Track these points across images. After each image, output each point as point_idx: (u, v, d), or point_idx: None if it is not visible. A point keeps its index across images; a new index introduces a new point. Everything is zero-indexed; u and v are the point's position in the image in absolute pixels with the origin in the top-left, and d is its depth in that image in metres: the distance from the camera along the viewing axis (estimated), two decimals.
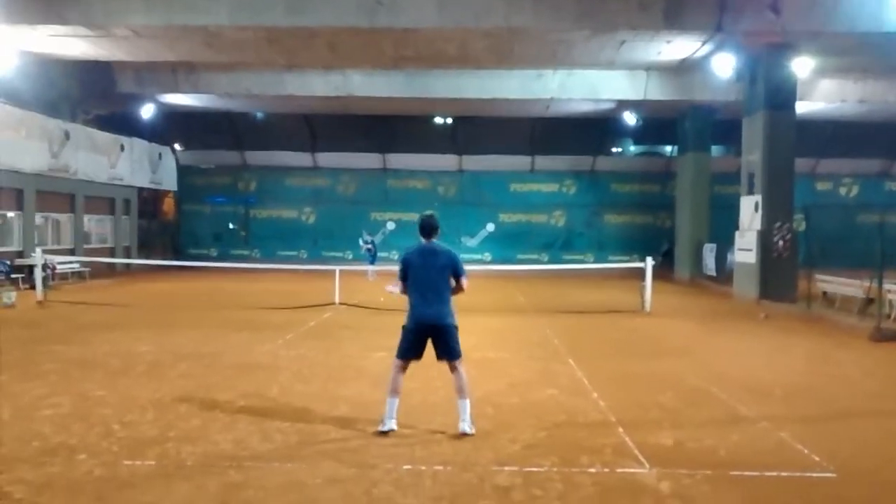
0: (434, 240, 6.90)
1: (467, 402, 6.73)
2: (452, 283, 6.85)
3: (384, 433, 6.61)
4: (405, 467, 5.78)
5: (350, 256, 31.89)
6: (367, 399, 7.96)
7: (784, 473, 5.82)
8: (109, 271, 26.48)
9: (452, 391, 6.91)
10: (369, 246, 26.16)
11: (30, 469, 5.61)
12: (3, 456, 5.91)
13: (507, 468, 5.80)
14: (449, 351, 6.74)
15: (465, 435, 6.58)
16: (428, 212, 7.10)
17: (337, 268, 18.53)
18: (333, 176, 34.28)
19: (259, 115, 33.24)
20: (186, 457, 5.98)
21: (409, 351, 6.79)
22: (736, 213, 20.63)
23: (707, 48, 19.00)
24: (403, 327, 6.85)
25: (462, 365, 6.79)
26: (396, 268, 7.02)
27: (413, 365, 6.90)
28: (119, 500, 5.06)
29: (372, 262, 25.43)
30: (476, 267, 29.16)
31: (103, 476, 5.51)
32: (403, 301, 6.90)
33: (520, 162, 33.79)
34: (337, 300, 17.06)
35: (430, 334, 6.74)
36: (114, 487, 5.28)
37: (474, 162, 33.82)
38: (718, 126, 27.43)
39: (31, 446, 6.17)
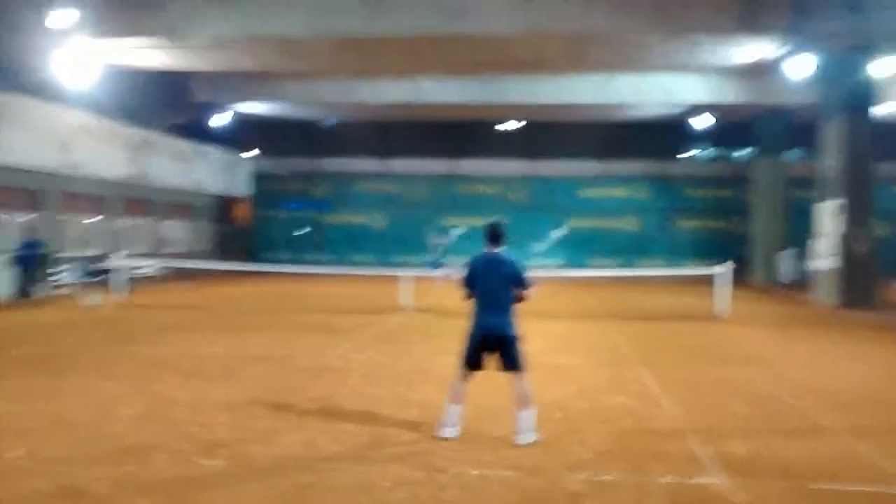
0: (499, 248, 6.81)
1: (526, 413, 6.57)
2: (517, 293, 6.72)
3: (444, 439, 6.59)
4: (473, 472, 5.75)
5: (419, 262, 32.03)
6: (436, 402, 7.94)
7: (865, 488, 5.59)
8: (186, 275, 27.20)
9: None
10: (439, 256, 26.21)
11: (107, 467, 5.77)
12: (83, 454, 6.10)
13: (577, 475, 5.71)
14: (510, 363, 6.62)
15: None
16: (494, 219, 7.03)
17: (407, 272, 18.64)
18: (404, 182, 34.53)
19: (331, 122, 33.75)
20: (257, 458, 6.07)
21: (470, 360, 6.71)
22: (812, 218, 19.99)
23: (783, 50, 18.45)
24: (466, 336, 6.80)
25: (525, 377, 6.65)
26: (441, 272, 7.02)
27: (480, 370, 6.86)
28: (191, 499, 5.16)
29: (438, 266, 25.50)
30: (546, 272, 29.03)
31: (177, 476, 5.63)
32: (471, 305, 6.87)
33: (591, 167, 33.42)
34: (406, 304, 17.15)
35: (491, 345, 6.64)
36: (186, 487, 5.39)
37: (545, 167, 33.61)
38: (794, 129, 26.66)
39: (108, 445, 6.35)
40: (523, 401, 6.58)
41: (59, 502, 5.07)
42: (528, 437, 6.50)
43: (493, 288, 6.68)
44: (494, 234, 6.83)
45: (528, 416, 6.56)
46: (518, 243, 33.21)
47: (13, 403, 7.78)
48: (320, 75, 24.95)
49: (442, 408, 6.94)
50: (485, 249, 6.85)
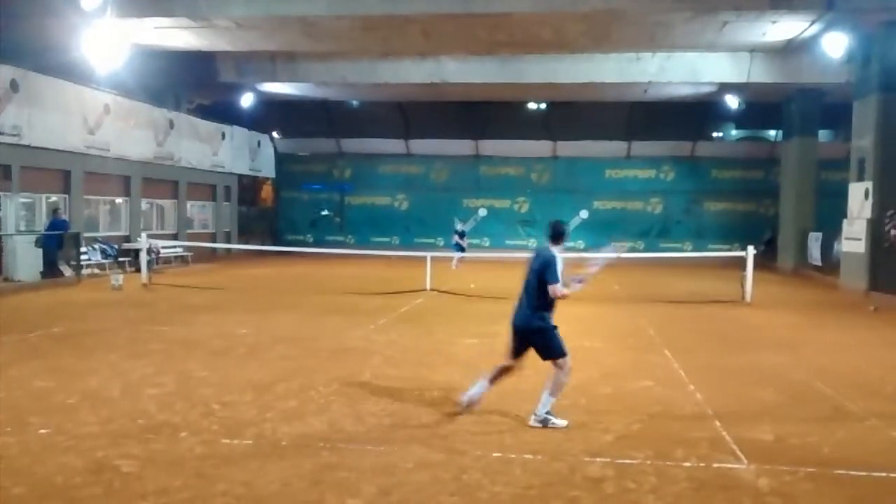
0: (553, 244, 6.75)
1: (547, 397, 6.55)
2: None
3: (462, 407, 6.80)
4: (495, 454, 5.76)
5: (441, 243, 32.05)
6: (458, 385, 7.96)
7: (894, 474, 5.53)
8: (210, 256, 27.43)
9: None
10: (459, 240, 26.15)
11: (136, 445, 5.85)
12: (112, 431, 6.19)
13: (599, 459, 5.70)
14: (542, 353, 6.65)
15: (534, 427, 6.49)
16: (555, 219, 7.16)
17: (429, 254, 18.65)
18: (426, 163, 34.45)
19: (354, 103, 33.72)
20: (282, 437, 6.13)
21: (511, 350, 6.78)
22: (844, 200, 19.66)
23: (816, 28, 18.12)
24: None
25: (564, 366, 6.58)
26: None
27: (502, 353, 6.86)
28: (217, 477, 5.21)
29: (461, 250, 25.50)
30: (569, 255, 28.90)
31: (203, 454, 5.69)
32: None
33: (616, 147, 33.11)
34: (429, 286, 17.17)
35: (521, 337, 6.70)
36: (213, 465, 5.45)
37: (568, 148, 33.33)
38: (826, 110, 26.23)
39: (137, 423, 6.43)
40: (550, 384, 6.58)
41: (89, 478, 5.15)
42: (536, 420, 6.54)
43: (527, 281, 6.73)
44: (553, 233, 6.82)
45: (548, 400, 6.57)
46: (541, 224, 33.36)
47: (46, 381, 7.92)
48: (343, 56, 24.91)
49: (464, 390, 6.95)
50: (543, 245, 6.86)
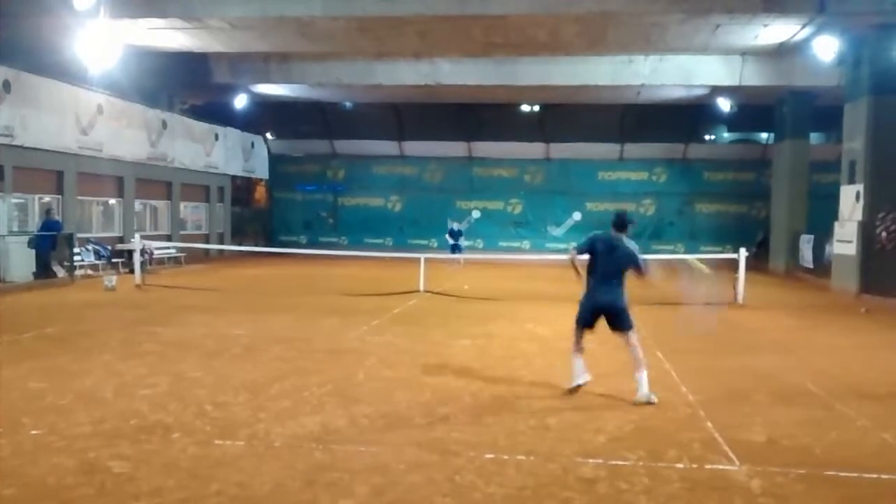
0: (620, 232, 7.73)
1: (642, 373, 7.50)
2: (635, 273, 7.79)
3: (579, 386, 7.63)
4: (488, 455, 5.77)
5: (435, 244, 32.07)
6: (452, 386, 8.00)
7: (885, 476, 5.56)
8: (204, 257, 27.39)
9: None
10: (452, 239, 26.25)
11: (129, 445, 5.84)
12: (105, 432, 6.19)
13: (591, 460, 5.72)
14: (623, 325, 7.65)
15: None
16: (621, 210, 8.33)
17: (422, 255, 18.65)
18: (420, 164, 34.45)
19: (348, 104, 33.71)
20: (276, 437, 6.13)
21: (585, 321, 7.80)
22: (835, 202, 19.76)
23: (807, 31, 18.20)
24: (582, 303, 7.89)
25: (635, 338, 7.64)
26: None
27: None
28: (211, 477, 5.21)
29: (457, 251, 25.57)
30: (560, 256, 28.95)
31: (196, 454, 5.69)
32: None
33: (609, 150, 33.18)
34: (422, 287, 17.18)
35: (604, 313, 7.68)
36: (206, 466, 5.45)
37: (562, 150, 33.37)
38: (818, 112, 26.29)
39: (130, 424, 6.43)
40: (637, 363, 7.49)
41: (81, 479, 5.14)
42: (642, 397, 7.35)
43: (614, 266, 7.61)
44: (619, 223, 7.75)
45: (642, 378, 7.42)
46: (534, 226, 33.44)
47: (38, 381, 7.90)
48: (337, 57, 24.90)
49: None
50: (612, 233, 7.75)
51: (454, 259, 24.50)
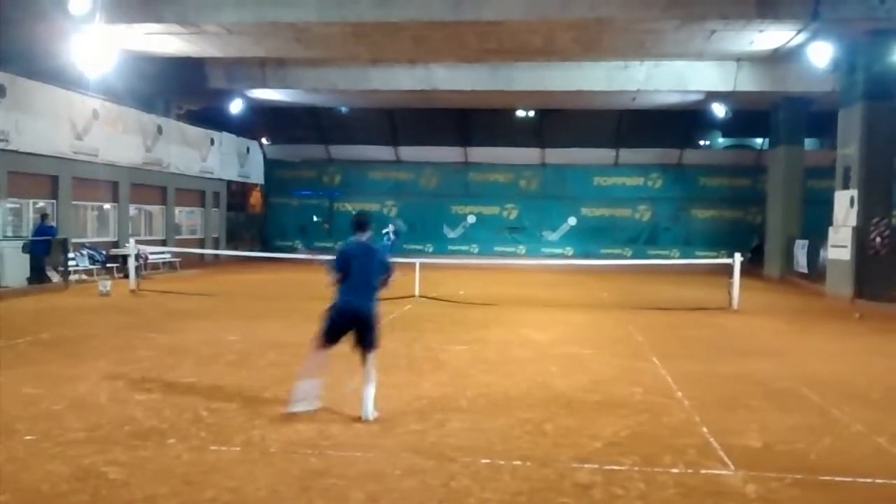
0: (366, 236, 7.30)
1: (373, 390, 6.92)
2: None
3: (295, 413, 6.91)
4: (483, 461, 5.76)
5: (431, 249, 32.08)
6: (448, 391, 7.99)
7: (880, 480, 5.57)
8: (199, 262, 27.36)
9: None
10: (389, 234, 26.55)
11: (123, 451, 5.83)
12: (99, 438, 6.17)
13: (587, 465, 5.71)
14: (372, 342, 7.04)
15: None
16: (360, 210, 8.03)
17: (417, 260, 18.65)
18: (415, 169, 34.50)
19: (344, 109, 33.73)
20: (270, 443, 6.12)
21: (330, 336, 7.13)
22: (830, 208, 19.82)
23: (802, 37, 18.25)
24: (328, 314, 7.21)
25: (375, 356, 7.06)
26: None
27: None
28: (206, 483, 5.20)
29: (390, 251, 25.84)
30: (558, 261, 28.98)
31: (191, 460, 5.68)
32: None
33: (604, 155, 33.25)
34: (417, 292, 17.17)
35: (354, 324, 7.03)
36: (201, 472, 5.43)
37: (557, 155, 33.44)
38: (812, 118, 26.40)
39: (124, 430, 6.41)
40: (368, 378, 6.93)
41: (75, 485, 5.12)
42: (368, 414, 6.82)
43: (369, 271, 7.15)
44: (359, 223, 7.30)
45: (369, 393, 6.89)
46: (529, 231, 33.49)
47: (33, 387, 7.87)
48: (333, 62, 24.93)
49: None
50: (353, 238, 7.28)
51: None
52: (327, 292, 7.17)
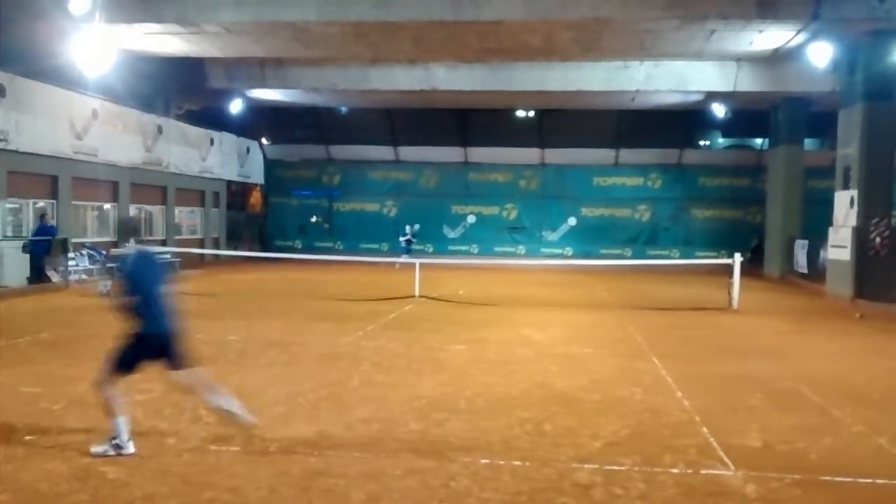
0: (129, 242, 6.34)
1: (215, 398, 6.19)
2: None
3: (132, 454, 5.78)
4: (483, 461, 5.76)
5: (431, 249, 32.08)
6: (447, 391, 7.98)
7: (880, 481, 5.56)
8: (199, 262, 27.32)
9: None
10: (409, 237, 27.14)
11: None
12: (99, 438, 6.12)
13: (587, 466, 5.71)
14: (180, 361, 6.19)
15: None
16: (127, 215, 6.65)
17: (417, 261, 18.64)
18: (415, 169, 34.49)
19: (343, 109, 33.72)
20: (270, 443, 6.11)
21: (128, 364, 6.17)
22: (830, 208, 19.82)
23: (802, 37, 18.24)
24: (127, 340, 6.22)
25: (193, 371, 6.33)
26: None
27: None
28: (205, 483, 5.20)
29: (407, 252, 26.10)
30: (558, 261, 28.98)
31: (191, 460, 5.68)
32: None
33: (604, 155, 33.24)
34: (417, 292, 17.16)
35: (160, 347, 6.12)
36: (200, 472, 5.43)
37: (557, 155, 33.43)
38: (812, 118, 26.41)
39: None
40: (203, 390, 6.29)
41: (75, 485, 5.12)
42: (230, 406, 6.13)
43: (160, 286, 6.19)
44: (125, 230, 6.25)
45: (222, 399, 6.21)
46: (529, 231, 33.50)
47: (32, 387, 7.89)
48: (332, 62, 24.93)
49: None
50: (130, 246, 6.26)
51: (402, 259, 24.82)
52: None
